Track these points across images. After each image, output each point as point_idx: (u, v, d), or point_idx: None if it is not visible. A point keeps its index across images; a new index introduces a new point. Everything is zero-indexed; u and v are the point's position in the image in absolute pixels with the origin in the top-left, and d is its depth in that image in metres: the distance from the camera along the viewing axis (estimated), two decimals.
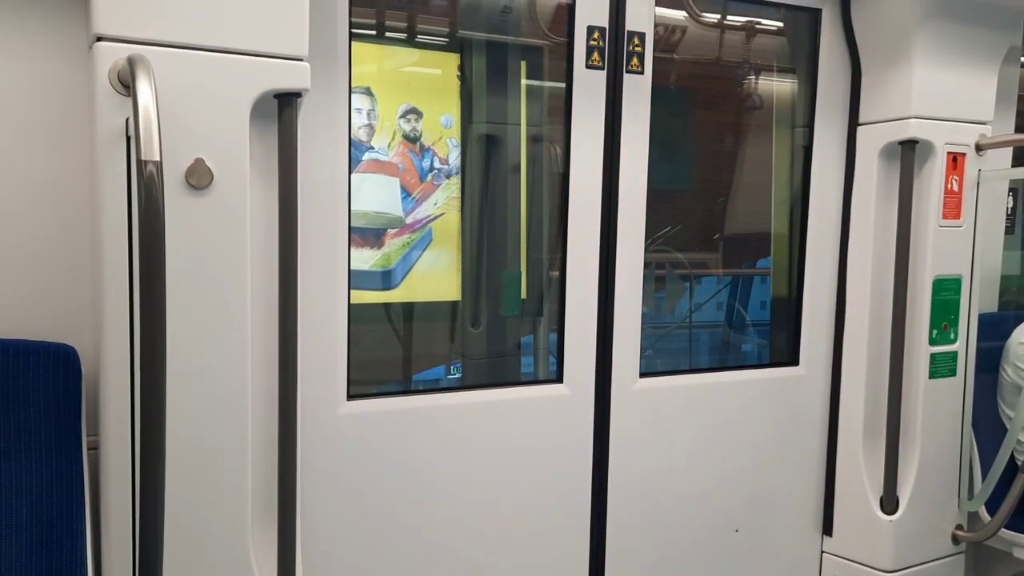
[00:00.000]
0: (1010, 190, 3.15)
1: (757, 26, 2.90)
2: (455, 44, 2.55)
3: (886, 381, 2.72)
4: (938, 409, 2.77)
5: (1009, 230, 3.29)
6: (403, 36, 2.49)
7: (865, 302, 2.78)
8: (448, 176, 2.55)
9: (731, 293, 3.21)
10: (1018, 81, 3.05)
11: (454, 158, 2.56)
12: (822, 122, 2.80)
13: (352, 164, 2.17)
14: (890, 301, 2.71)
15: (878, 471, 2.76)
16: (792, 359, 2.87)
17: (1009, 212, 3.26)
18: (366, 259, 2.47)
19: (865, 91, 2.77)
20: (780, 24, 2.90)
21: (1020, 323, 2.92)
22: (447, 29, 2.55)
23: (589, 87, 2.42)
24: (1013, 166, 2.99)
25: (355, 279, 2.22)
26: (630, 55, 2.44)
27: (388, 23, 2.44)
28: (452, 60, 2.57)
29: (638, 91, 2.47)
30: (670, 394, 2.65)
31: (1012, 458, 2.79)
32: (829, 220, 2.85)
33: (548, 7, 2.52)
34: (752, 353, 3.15)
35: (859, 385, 2.80)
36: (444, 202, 2.56)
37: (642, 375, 2.59)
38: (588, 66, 2.40)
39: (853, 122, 2.80)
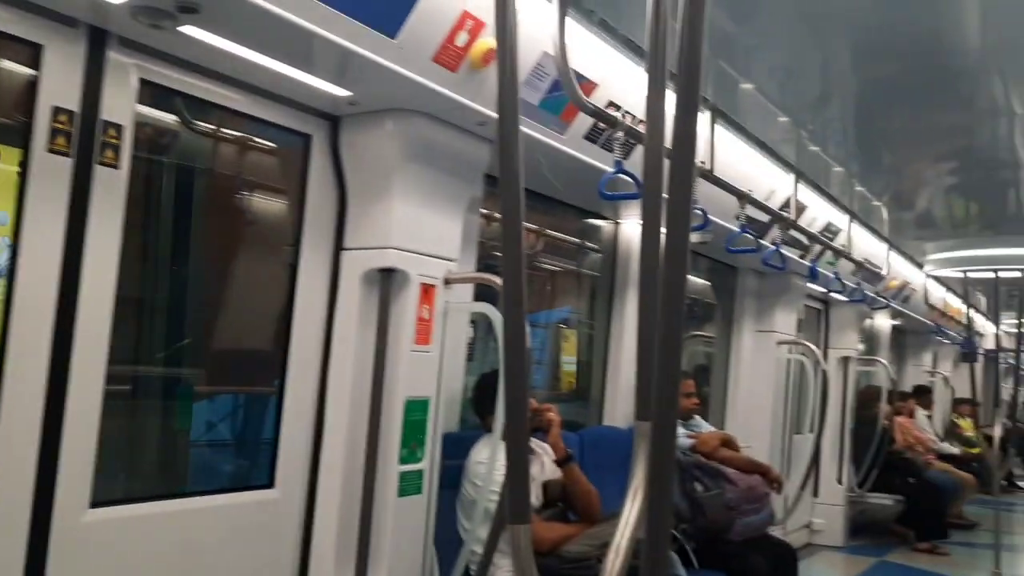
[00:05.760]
0: (471, 321, 3.51)
1: (249, 142, 2.89)
2: None
3: (360, 500, 2.76)
4: (406, 526, 2.88)
5: (470, 357, 3.67)
6: None
7: (343, 422, 2.82)
8: None
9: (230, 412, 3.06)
10: (478, 227, 3.47)
11: None
12: (309, 243, 2.85)
13: None
14: (366, 421, 2.78)
15: None
16: (268, 482, 2.77)
17: (470, 341, 3.63)
18: None
19: (350, 218, 2.89)
20: (274, 144, 2.93)
21: (476, 442, 3.21)
22: None
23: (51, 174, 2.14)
24: (475, 300, 3.35)
25: None
26: (104, 146, 2.23)
27: None
28: None
29: (112, 186, 2.25)
30: (128, 527, 2.35)
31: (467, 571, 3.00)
32: (311, 340, 2.86)
33: None
34: (227, 475, 2.98)
35: (333, 505, 2.79)
36: None
37: (95, 504, 2.26)
38: (51, 150, 2.13)
39: (339, 246, 2.90)
